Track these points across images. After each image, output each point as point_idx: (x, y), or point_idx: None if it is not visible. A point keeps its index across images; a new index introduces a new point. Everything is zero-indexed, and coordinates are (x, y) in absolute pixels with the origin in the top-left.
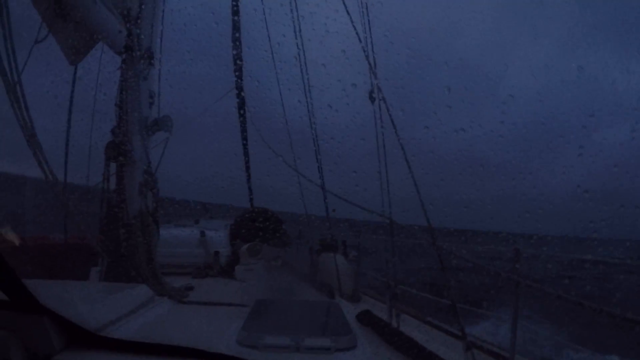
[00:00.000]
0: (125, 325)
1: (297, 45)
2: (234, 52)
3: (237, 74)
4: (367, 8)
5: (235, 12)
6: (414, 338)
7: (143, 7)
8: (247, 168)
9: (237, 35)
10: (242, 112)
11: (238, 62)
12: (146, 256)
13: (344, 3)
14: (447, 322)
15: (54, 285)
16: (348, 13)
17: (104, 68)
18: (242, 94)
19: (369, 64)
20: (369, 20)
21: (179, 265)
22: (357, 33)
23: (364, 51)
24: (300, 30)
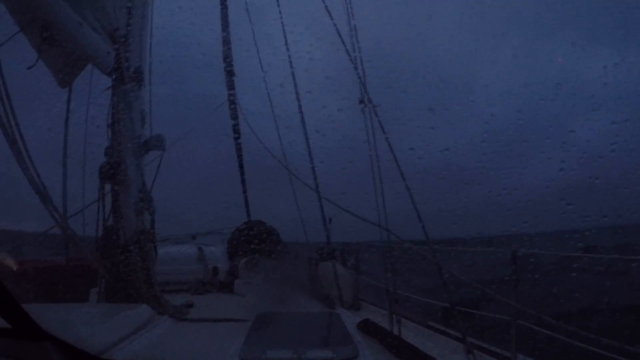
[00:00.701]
0: (127, 347)
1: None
2: (227, 68)
3: (229, 91)
4: (355, 28)
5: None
6: (415, 344)
7: (130, 27)
8: (243, 181)
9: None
10: (235, 125)
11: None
12: (145, 275)
13: (334, 24)
14: (447, 325)
15: (54, 309)
16: (339, 33)
17: (94, 89)
18: (235, 102)
19: (359, 77)
20: (356, 35)
21: (178, 282)
22: (346, 49)
23: (352, 63)
24: (290, 58)
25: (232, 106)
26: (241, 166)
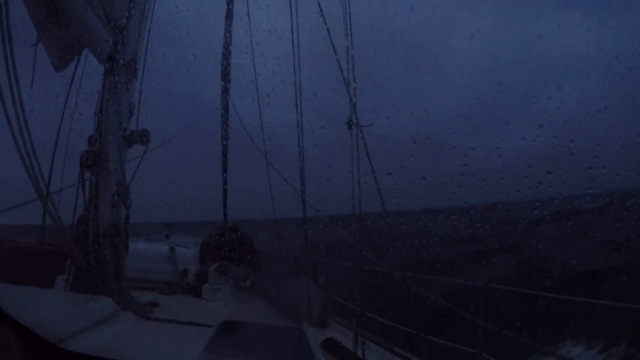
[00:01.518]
0: (87, 338)
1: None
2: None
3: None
4: (351, 44)
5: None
6: None
7: (131, 18)
8: (225, 179)
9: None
10: (225, 119)
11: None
12: (114, 269)
13: (330, 39)
14: (412, 351)
15: (17, 291)
16: (334, 49)
17: (86, 77)
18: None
19: (349, 93)
20: (352, 52)
21: (146, 280)
22: (338, 62)
23: (345, 81)
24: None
25: (224, 112)
26: (225, 171)
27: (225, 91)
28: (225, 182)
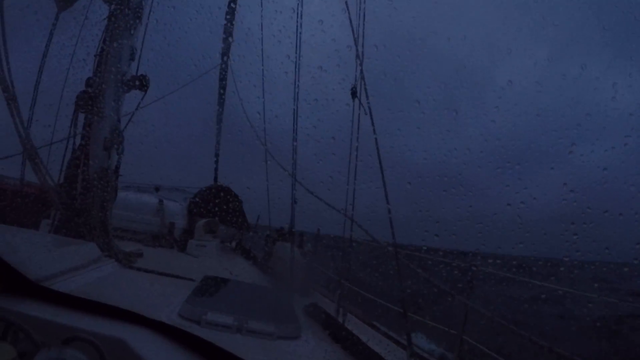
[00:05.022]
0: (67, 280)
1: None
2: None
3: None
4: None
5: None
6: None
7: None
8: (218, 143)
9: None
10: (222, 85)
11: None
12: (100, 215)
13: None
14: (393, 329)
15: (0, 229)
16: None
17: (90, 18)
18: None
19: (358, 57)
20: (364, 18)
21: (132, 231)
22: (352, 28)
23: (355, 45)
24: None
25: (223, 74)
26: (218, 141)
27: (225, 52)
28: (218, 142)
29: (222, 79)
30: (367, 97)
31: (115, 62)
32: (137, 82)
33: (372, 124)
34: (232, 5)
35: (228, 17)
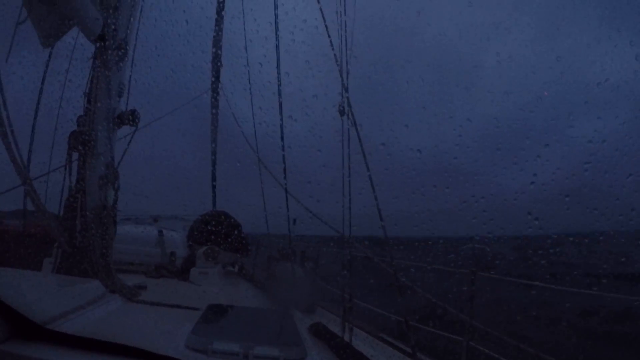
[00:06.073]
0: (73, 320)
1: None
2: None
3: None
4: (345, 23)
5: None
6: (364, 353)
7: None
8: (213, 169)
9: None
10: (214, 111)
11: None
12: (101, 251)
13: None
14: (399, 339)
15: (4, 272)
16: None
17: (76, 56)
18: (217, 97)
19: (342, 77)
20: (345, 34)
21: (134, 263)
22: (331, 43)
23: (337, 63)
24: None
25: (215, 95)
26: (214, 164)
27: (216, 78)
28: (214, 166)
29: (214, 106)
30: (352, 115)
31: (104, 100)
32: (128, 118)
33: (359, 140)
34: (219, 33)
35: (215, 35)
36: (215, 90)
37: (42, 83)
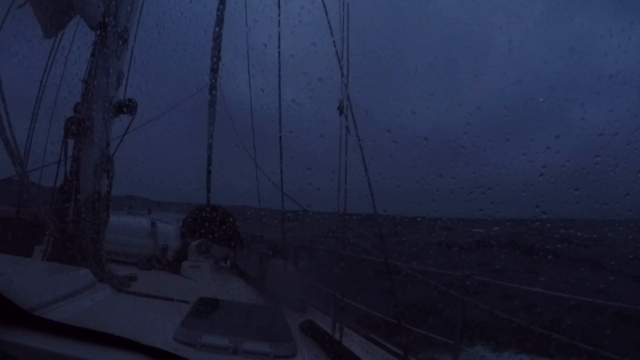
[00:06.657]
0: (61, 308)
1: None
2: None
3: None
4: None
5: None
6: (355, 352)
7: None
8: (209, 162)
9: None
10: (212, 109)
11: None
12: (92, 240)
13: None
14: (390, 340)
15: None
16: (329, 26)
17: (77, 44)
18: (214, 92)
19: (342, 75)
20: (348, 33)
21: (126, 254)
22: (334, 43)
23: (339, 62)
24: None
25: (213, 92)
26: (209, 160)
27: (214, 70)
28: (209, 162)
29: (211, 103)
30: (352, 113)
31: (103, 88)
32: (125, 107)
33: (358, 139)
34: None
35: (217, 29)
36: (214, 76)
37: (45, 71)
